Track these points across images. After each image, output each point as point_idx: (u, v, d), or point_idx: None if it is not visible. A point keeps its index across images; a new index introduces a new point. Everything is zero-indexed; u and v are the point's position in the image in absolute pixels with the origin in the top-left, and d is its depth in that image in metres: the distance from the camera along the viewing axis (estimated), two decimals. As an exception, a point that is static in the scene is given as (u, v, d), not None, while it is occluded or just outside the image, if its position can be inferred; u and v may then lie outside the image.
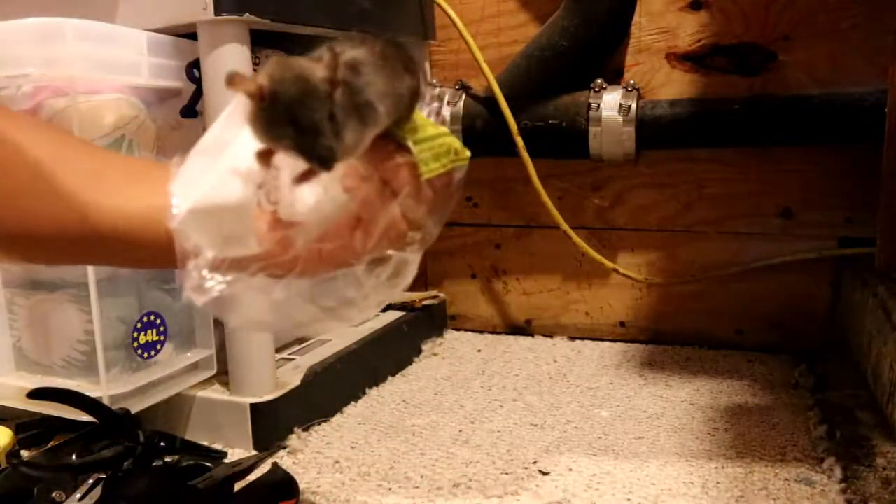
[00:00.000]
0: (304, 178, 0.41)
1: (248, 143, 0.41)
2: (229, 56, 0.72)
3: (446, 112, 1.05)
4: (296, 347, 0.92)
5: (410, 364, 1.04)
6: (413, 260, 0.46)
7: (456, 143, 0.46)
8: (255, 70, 0.76)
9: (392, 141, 0.44)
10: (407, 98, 0.43)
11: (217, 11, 0.70)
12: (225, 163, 0.42)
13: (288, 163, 0.41)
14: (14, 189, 0.45)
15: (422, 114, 0.46)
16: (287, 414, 0.80)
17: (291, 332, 0.77)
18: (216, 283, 0.43)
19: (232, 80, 0.37)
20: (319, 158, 0.38)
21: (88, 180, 0.46)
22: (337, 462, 0.74)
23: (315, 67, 0.38)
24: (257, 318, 0.47)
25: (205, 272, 0.42)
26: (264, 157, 0.41)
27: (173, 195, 0.43)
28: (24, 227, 0.45)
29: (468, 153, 0.46)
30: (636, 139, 0.98)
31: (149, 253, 0.46)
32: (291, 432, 0.79)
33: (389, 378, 0.98)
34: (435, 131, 0.45)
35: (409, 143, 0.44)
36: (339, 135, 0.38)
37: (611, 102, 0.98)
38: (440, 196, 0.45)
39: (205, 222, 0.42)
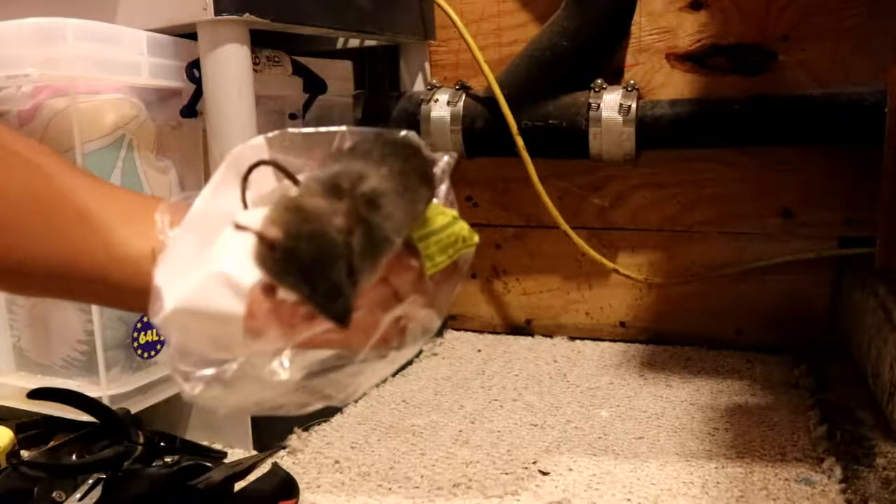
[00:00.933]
0: (310, 315, 0.37)
1: (240, 245, 0.37)
2: (229, 56, 0.72)
3: (445, 113, 1.05)
4: (296, 347, 0.92)
5: (410, 364, 1.04)
6: (411, 351, 0.43)
7: (464, 229, 0.43)
8: (255, 68, 0.76)
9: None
10: (422, 210, 0.40)
11: (217, 11, 0.70)
12: (216, 263, 0.38)
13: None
14: (2, 217, 0.42)
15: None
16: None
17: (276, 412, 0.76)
18: (202, 374, 0.40)
19: (240, 228, 0.35)
20: (336, 317, 0.35)
21: (80, 217, 0.43)
22: (337, 462, 0.74)
23: (332, 214, 0.34)
24: (247, 405, 0.43)
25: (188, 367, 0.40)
26: (270, 290, 0.37)
27: (159, 286, 0.39)
28: (7, 259, 0.42)
29: (476, 238, 0.43)
30: (636, 139, 0.98)
31: (141, 299, 0.42)
32: (291, 432, 0.79)
33: (389, 378, 0.98)
34: (444, 221, 0.42)
35: (416, 243, 0.40)
36: (356, 284, 0.35)
37: (611, 102, 0.98)
38: (444, 286, 0.43)
39: (190, 324, 0.39)
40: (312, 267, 0.34)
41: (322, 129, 0.42)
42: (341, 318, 0.35)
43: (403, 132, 0.40)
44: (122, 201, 0.46)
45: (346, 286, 0.34)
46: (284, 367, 0.39)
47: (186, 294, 0.38)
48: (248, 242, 0.36)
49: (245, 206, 0.40)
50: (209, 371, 0.39)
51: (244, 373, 0.39)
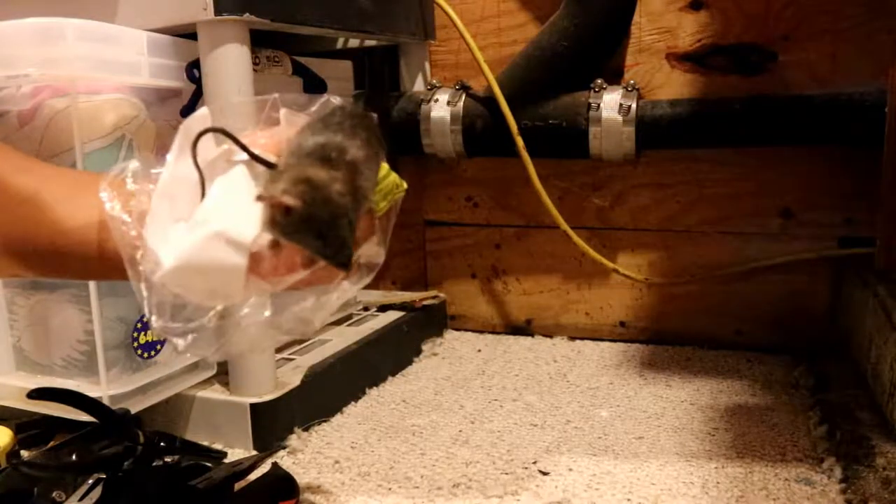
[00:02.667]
0: (310, 263, 0.44)
1: (232, 205, 0.43)
2: (229, 56, 0.72)
3: (445, 113, 1.05)
4: (296, 347, 0.93)
5: (410, 364, 1.04)
6: (362, 283, 0.51)
7: (396, 178, 0.50)
8: (255, 68, 0.76)
9: None
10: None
11: (217, 11, 0.70)
12: (214, 223, 0.43)
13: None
14: None
15: None
16: (287, 414, 0.80)
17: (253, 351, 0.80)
18: (190, 326, 0.46)
19: (261, 198, 0.41)
20: (342, 264, 0.42)
21: (25, 196, 0.47)
22: (337, 462, 0.74)
23: (332, 181, 0.41)
24: (231, 350, 0.49)
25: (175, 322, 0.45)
26: (276, 245, 0.43)
27: (152, 247, 0.44)
28: None
29: (405, 185, 0.51)
30: (636, 139, 0.98)
31: (93, 266, 0.48)
32: (291, 432, 0.79)
33: (389, 378, 0.98)
34: (382, 173, 0.49)
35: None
36: (352, 235, 0.42)
37: (611, 102, 0.98)
38: (384, 225, 0.51)
39: (191, 279, 0.44)
40: (326, 226, 0.41)
41: (256, 98, 0.49)
42: (347, 264, 0.42)
43: (348, 101, 0.48)
44: (65, 179, 0.51)
45: (349, 238, 0.42)
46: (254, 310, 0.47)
47: (186, 251, 0.43)
48: (240, 203, 0.42)
49: (198, 168, 0.45)
50: (194, 323, 0.45)
51: (224, 318, 0.46)
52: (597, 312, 1.13)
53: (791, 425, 0.79)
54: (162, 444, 0.71)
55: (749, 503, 0.64)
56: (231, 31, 0.72)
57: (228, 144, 0.46)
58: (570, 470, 0.72)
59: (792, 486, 0.67)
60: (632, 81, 1.00)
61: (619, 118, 0.97)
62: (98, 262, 0.47)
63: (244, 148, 0.45)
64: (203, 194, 0.45)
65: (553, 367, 1.02)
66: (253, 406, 0.77)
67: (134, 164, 0.48)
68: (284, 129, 0.48)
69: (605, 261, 1.06)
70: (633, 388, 0.92)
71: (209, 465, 0.68)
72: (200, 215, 0.44)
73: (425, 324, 1.11)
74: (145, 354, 0.76)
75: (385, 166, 0.49)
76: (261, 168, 0.46)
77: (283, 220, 0.41)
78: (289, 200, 0.40)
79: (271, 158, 0.46)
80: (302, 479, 0.70)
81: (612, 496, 0.67)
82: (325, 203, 0.40)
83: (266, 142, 0.46)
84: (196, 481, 0.63)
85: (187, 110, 0.78)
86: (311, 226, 0.41)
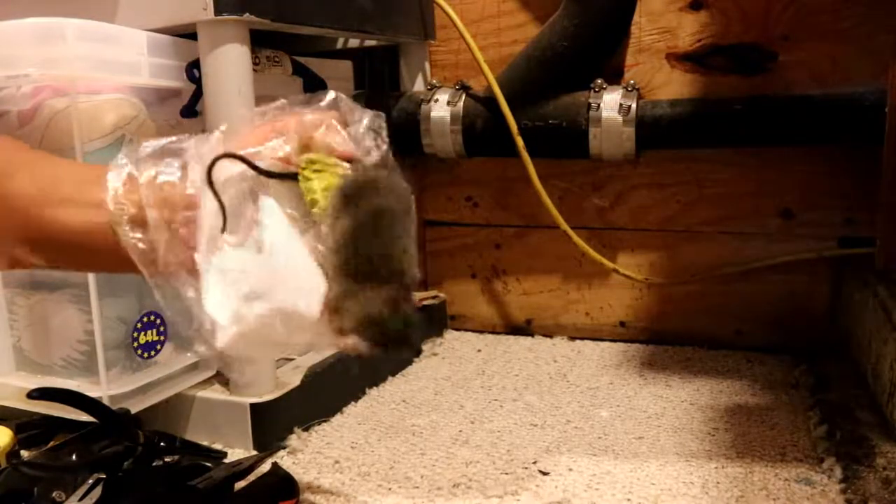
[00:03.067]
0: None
1: (298, 282, 0.45)
2: (229, 56, 0.72)
3: (445, 113, 1.05)
4: (296, 347, 0.93)
5: (410, 364, 1.04)
6: None
7: None
8: (255, 68, 0.76)
9: None
10: None
11: (217, 11, 0.70)
12: (282, 298, 0.45)
13: None
14: None
15: None
16: (287, 414, 0.80)
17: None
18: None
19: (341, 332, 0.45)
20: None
21: (35, 191, 0.48)
22: (337, 462, 0.74)
23: (390, 303, 0.44)
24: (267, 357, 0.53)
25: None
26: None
27: (212, 316, 0.45)
28: None
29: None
30: (636, 139, 0.98)
31: (101, 259, 0.50)
32: (291, 432, 0.79)
33: (389, 378, 0.98)
34: None
35: None
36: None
37: (611, 102, 0.98)
38: None
39: (251, 345, 0.46)
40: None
41: (261, 108, 0.50)
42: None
43: (393, 173, 0.48)
44: (76, 174, 0.51)
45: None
46: None
47: (250, 324, 0.45)
48: (293, 258, 0.45)
49: (215, 195, 0.46)
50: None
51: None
52: (597, 312, 1.13)
53: (791, 425, 0.79)
54: (162, 444, 0.71)
55: (749, 503, 0.64)
56: (231, 31, 0.72)
57: (240, 167, 0.47)
58: (570, 470, 0.72)
59: (792, 486, 0.67)
60: (632, 81, 1.00)
61: (619, 118, 0.97)
62: (112, 256, 0.48)
63: (256, 168, 0.46)
64: (224, 220, 0.46)
65: (553, 367, 1.02)
66: (253, 406, 0.77)
67: (124, 166, 0.48)
68: (289, 130, 0.48)
69: (605, 261, 1.06)
70: (633, 388, 0.92)
71: (209, 465, 0.68)
72: (256, 284, 0.45)
73: (425, 324, 1.11)
74: (145, 354, 0.76)
75: None
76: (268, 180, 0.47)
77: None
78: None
79: (277, 167, 0.47)
80: (302, 479, 0.70)
81: (612, 496, 0.67)
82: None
83: (262, 144, 0.47)
84: (196, 481, 0.63)
85: (187, 110, 0.78)
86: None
